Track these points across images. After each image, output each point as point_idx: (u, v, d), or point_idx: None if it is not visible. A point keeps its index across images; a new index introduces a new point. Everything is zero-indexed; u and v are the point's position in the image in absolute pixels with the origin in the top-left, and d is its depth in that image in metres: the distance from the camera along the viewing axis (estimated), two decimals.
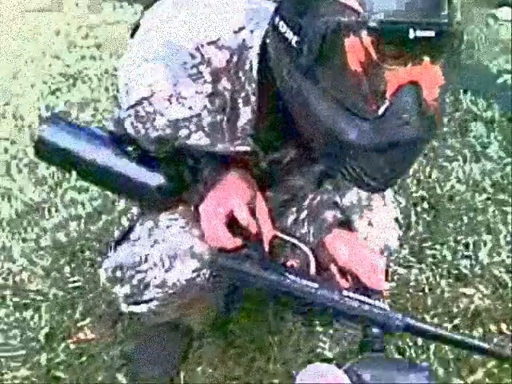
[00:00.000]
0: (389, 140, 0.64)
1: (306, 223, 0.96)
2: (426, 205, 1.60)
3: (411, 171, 1.75)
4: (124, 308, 0.95)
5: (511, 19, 3.43)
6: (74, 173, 0.93)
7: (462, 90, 2.27)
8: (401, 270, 1.36)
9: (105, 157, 0.88)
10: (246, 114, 0.78)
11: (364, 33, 0.59)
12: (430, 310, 1.26)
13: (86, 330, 1.23)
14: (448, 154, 1.89)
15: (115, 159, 0.88)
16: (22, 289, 1.34)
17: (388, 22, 0.59)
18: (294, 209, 0.99)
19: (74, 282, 1.35)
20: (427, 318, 1.23)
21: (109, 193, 1.68)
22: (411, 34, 0.58)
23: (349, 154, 0.67)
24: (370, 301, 0.81)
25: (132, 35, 0.87)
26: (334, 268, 0.90)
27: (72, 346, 1.20)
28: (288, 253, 0.96)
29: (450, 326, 1.21)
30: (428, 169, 1.78)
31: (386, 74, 0.60)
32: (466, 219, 1.53)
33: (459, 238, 1.46)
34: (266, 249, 0.87)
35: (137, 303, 0.92)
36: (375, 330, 0.79)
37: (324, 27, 0.60)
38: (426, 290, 1.30)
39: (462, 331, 1.20)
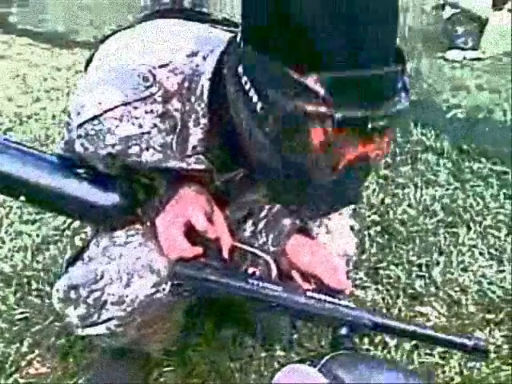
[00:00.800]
0: (335, 201, 0.73)
1: (263, 233, 0.96)
2: (378, 228, 1.63)
3: (365, 197, 1.79)
4: (79, 332, 0.90)
5: (459, 60, 3.68)
6: (22, 199, 0.87)
7: (412, 123, 2.38)
8: (357, 292, 1.37)
9: (54, 180, 0.85)
10: (196, 135, 0.80)
11: (328, 123, 0.62)
12: None
13: (36, 363, 1.16)
14: (400, 181, 1.95)
15: (65, 181, 0.85)
16: None
17: (350, 117, 0.62)
18: (250, 221, 0.99)
19: (21, 313, 1.28)
20: (386, 337, 1.22)
21: (56, 223, 1.66)
22: (369, 126, 0.63)
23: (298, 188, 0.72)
24: (335, 300, 0.81)
25: (86, 67, 0.88)
26: (295, 274, 0.90)
27: (21, 381, 1.12)
28: (248, 263, 0.95)
29: (409, 345, 1.21)
30: (381, 195, 1.83)
31: (342, 152, 0.65)
32: (418, 241, 1.56)
33: (412, 258, 1.49)
34: (226, 257, 0.86)
35: (94, 324, 0.87)
36: (344, 330, 0.78)
37: (291, 110, 0.62)
38: (384, 310, 1.30)
39: (421, 350, 1.20)
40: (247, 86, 0.66)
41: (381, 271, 1.43)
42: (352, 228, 1.04)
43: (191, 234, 0.83)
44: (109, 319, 0.86)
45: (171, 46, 0.78)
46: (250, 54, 0.66)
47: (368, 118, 0.62)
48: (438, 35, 4.14)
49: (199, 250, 0.83)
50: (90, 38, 4.02)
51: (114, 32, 0.85)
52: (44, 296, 1.33)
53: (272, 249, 0.92)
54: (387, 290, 1.37)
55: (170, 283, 0.84)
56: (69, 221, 1.64)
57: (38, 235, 1.61)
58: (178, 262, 0.83)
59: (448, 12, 3.91)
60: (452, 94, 2.94)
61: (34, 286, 1.38)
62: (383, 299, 1.34)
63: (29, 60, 3.60)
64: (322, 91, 0.60)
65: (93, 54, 0.85)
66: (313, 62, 0.60)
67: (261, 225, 0.97)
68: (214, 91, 0.76)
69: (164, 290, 0.85)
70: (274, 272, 0.87)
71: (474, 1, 3.75)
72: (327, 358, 0.69)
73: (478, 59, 3.75)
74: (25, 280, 1.39)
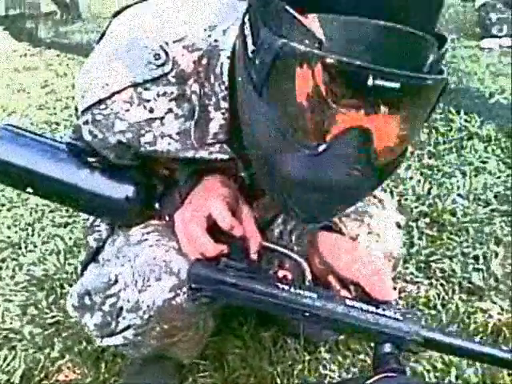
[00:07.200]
0: (321, 181, 0.59)
1: (291, 234, 0.87)
2: (427, 220, 1.51)
3: (410, 188, 1.68)
4: (98, 343, 0.83)
5: (495, 48, 3.53)
6: (29, 190, 0.81)
7: (454, 111, 2.24)
8: (409, 287, 1.26)
9: (63, 170, 0.78)
10: (217, 120, 0.71)
11: (318, 66, 0.52)
12: (445, 328, 1.14)
13: (66, 369, 1.10)
14: (446, 170, 1.82)
15: (75, 172, 0.78)
16: None
17: (346, 62, 0.51)
18: (280, 220, 0.90)
19: (53, 317, 1.23)
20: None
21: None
22: (369, 82, 0.51)
23: (283, 183, 0.62)
24: (380, 311, 0.70)
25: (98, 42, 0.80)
26: (332, 279, 0.79)
27: None
28: (276, 266, 0.86)
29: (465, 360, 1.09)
30: (427, 185, 1.71)
31: (334, 115, 0.54)
32: (472, 232, 1.44)
33: (467, 250, 1.37)
34: (254, 258, 0.76)
35: (112, 334, 0.79)
36: (388, 347, 0.67)
37: (279, 47, 0.54)
38: (439, 307, 1.19)
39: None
40: (246, 32, 0.59)
41: (433, 265, 1.32)
42: (398, 225, 0.92)
43: (214, 229, 0.74)
44: (126, 328, 0.78)
45: (187, 18, 0.70)
46: None
47: (368, 71, 0.51)
48: (472, 26, 4.00)
49: (223, 247, 0.73)
50: None
51: (129, 5, 0.77)
52: None
53: (296, 248, 0.83)
54: (442, 285, 1.25)
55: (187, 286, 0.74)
56: None
57: (70, 238, 1.57)
58: (196, 262, 0.73)
59: (480, 0, 3.75)
60: (492, 81, 2.80)
61: (67, 289, 1.33)
62: (438, 295, 1.22)
63: (56, 70, 3.64)
64: (318, 32, 0.52)
65: (105, 30, 0.77)
66: (315, 2, 0.52)
67: (290, 225, 0.88)
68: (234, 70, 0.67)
69: (184, 293, 0.75)
70: (309, 276, 0.76)
71: None
72: (369, 382, 0.59)
73: None
74: (57, 283, 1.35)
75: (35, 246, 1.54)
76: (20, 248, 1.53)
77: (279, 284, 0.71)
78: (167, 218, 0.78)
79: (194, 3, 0.73)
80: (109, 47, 0.71)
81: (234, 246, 0.74)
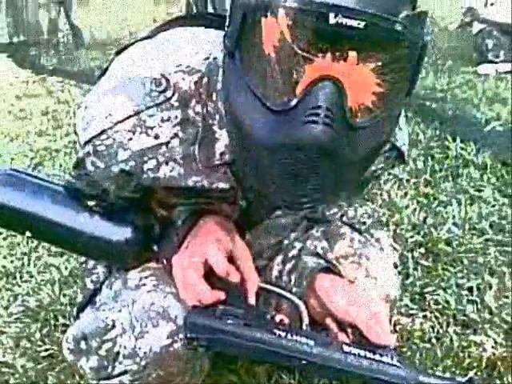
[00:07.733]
0: (290, 138, 0.57)
1: (291, 274, 0.87)
2: (422, 250, 1.52)
3: (405, 217, 1.68)
4: None
5: (492, 73, 3.57)
6: (28, 234, 0.82)
7: (451, 138, 2.26)
8: (403, 320, 1.25)
9: (63, 214, 0.79)
10: (222, 139, 0.71)
11: (281, 12, 0.53)
12: (438, 362, 1.13)
13: None
14: (442, 199, 1.83)
15: (74, 215, 0.79)
16: None
17: (307, 2, 0.52)
18: (279, 259, 0.90)
19: (46, 350, 1.22)
20: (438, 372, 1.10)
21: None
22: (331, 20, 0.51)
23: (256, 150, 0.61)
24: (377, 357, 0.70)
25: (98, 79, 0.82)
26: (330, 322, 0.79)
27: None
28: (272, 308, 0.86)
29: (463, 380, 1.08)
30: (422, 214, 1.72)
31: (303, 65, 0.54)
32: (466, 262, 1.44)
33: (461, 281, 1.37)
34: (252, 302, 0.76)
35: (108, 377, 0.79)
36: None
37: (245, 4, 0.56)
38: (434, 340, 1.18)
39: None
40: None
41: (428, 296, 1.31)
42: (396, 265, 0.92)
43: (211, 274, 0.74)
44: (122, 373, 0.77)
45: (188, 52, 0.72)
46: None
47: (330, 7, 0.50)
48: (468, 52, 4.05)
49: (220, 294, 0.73)
50: None
51: (131, 43, 0.79)
52: None
53: (294, 289, 0.83)
54: (436, 318, 1.25)
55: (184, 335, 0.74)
56: None
57: (66, 268, 1.56)
58: (192, 310, 0.73)
59: (476, 27, 3.81)
60: (488, 107, 2.83)
61: (61, 320, 1.32)
62: (432, 328, 1.22)
63: (58, 97, 3.68)
64: None
65: (107, 67, 0.79)
66: None
67: (289, 265, 0.88)
68: None
69: (181, 340, 0.75)
70: (306, 320, 0.77)
71: (504, 14, 3.64)
72: None
73: None
74: (51, 315, 1.34)
75: (31, 276, 1.53)
76: (15, 278, 1.53)
77: (276, 330, 0.71)
78: (165, 262, 0.79)
79: (194, 40, 0.75)
80: (110, 81, 0.73)
81: (232, 291, 0.75)
